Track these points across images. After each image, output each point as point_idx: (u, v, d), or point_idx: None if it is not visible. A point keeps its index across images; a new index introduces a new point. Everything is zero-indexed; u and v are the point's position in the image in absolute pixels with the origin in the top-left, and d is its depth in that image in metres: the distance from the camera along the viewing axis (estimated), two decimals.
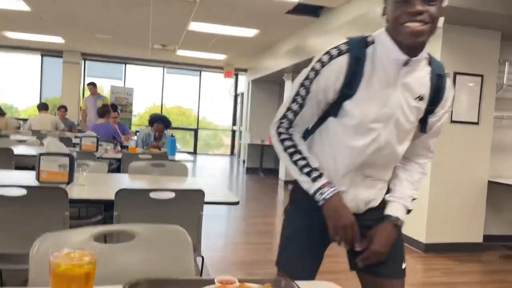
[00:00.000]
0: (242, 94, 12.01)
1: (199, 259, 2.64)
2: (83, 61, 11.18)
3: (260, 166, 9.62)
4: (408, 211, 1.34)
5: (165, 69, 12.26)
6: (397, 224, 1.31)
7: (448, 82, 1.29)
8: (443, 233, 4.15)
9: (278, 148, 1.32)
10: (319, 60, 1.23)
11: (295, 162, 1.29)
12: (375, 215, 1.35)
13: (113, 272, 1.14)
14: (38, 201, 1.90)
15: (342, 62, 1.21)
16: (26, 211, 1.89)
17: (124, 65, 11.74)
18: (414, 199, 1.35)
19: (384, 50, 1.21)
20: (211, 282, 0.94)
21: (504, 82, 4.31)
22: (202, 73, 12.66)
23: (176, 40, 8.28)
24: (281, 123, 1.31)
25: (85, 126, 7.80)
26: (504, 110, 4.50)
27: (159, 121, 4.92)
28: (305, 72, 1.27)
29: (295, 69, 7.58)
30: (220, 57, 9.88)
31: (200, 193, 2.04)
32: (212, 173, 9.45)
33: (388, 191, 1.40)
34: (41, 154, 2.21)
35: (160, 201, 1.99)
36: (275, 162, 9.69)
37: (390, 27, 1.19)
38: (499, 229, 4.58)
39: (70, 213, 1.93)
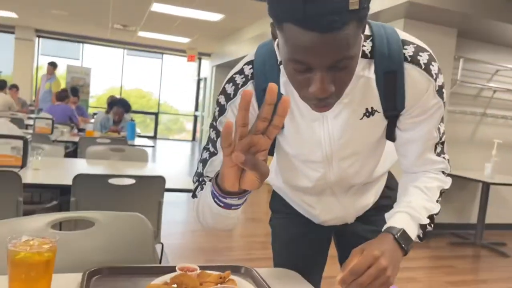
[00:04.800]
0: (205, 79, 11.88)
1: (158, 246, 2.62)
2: (37, 38, 10.63)
3: None
4: (423, 227, 0.89)
5: (125, 50, 11.89)
6: (397, 238, 0.84)
7: (415, 72, 0.85)
8: None
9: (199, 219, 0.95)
10: (224, 92, 0.93)
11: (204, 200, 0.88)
12: (376, 225, 1.05)
13: (72, 260, 1.11)
14: None
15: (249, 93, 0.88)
16: None
17: (81, 44, 11.28)
18: (432, 214, 0.92)
19: None
20: (172, 269, 0.94)
21: (458, 77, 4.52)
22: (164, 56, 12.39)
23: (138, 21, 8.03)
24: (195, 184, 0.98)
25: (37, 106, 7.50)
26: (458, 105, 4.73)
27: (118, 105, 4.79)
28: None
29: None
30: (183, 40, 9.69)
31: (160, 179, 2.01)
32: (172, 159, 9.34)
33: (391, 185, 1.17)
34: None
35: (119, 188, 1.95)
36: None
37: None
38: (449, 217, 4.84)
39: (23, 198, 1.86)
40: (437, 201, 0.95)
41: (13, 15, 8.68)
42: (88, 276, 0.91)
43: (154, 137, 12.92)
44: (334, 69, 0.71)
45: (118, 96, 8.23)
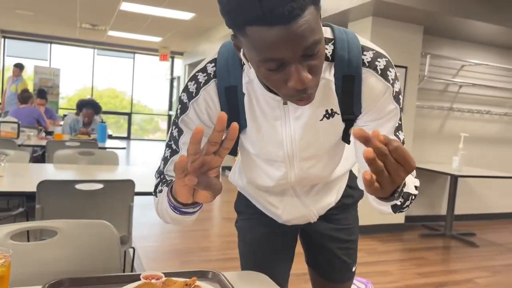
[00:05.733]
0: (179, 77, 11.76)
1: (131, 251, 2.58)
2: (2, 39, 10.27)
3: None
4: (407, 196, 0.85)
5: (95, 50, 11.63)
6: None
7: (372, 77, 0.87)
8: (368, 216, 4.41)
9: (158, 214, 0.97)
10: (186, 90, 0.93)
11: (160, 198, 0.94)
12: (339, 223, 1.22)
13: (35, 272, 1.09)
14: None
15: (211, 92, 0.91)
16: None
17: (49, 44, 10.96)
18: (416, 186, 0.91)
19: (258, 82, 0.89)
20: (137, 278, 0.93)
21: (426, 73, 4.63)
22: (136, 55, 12.19)
23: (107, 20, 7.87)
24: (157, 173, 1.00)
25: (3, 109, 7.25)
26: (425, 100, 4.84)
27: (88, 106, 4.68)
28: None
29: None
30: (155, 39, 9.56)
31: (130, 183, 1.98)
32: (146, 160, 9.21)
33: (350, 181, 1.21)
34: None
35: (87, 193, 1.91)
36: None
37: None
38: (420, 210, 4.96)
39: None
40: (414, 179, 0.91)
41: None
42: None
43: (127, 138, 12.71)
44: (306, 58, 0.71)
45: (88, 97, 8.05)
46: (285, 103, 0.89)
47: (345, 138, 0.98)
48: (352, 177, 1.24)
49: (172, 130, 0.97)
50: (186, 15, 6.92)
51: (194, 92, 0.91)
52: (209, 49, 8.17)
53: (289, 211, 1.15)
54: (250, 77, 0.90)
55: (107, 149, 3.98)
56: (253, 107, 0.92)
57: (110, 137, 5.40)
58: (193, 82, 0.92)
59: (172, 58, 12.19)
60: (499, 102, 5.36)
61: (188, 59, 10.31)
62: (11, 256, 0.78)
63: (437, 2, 3.88)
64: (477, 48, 5.11)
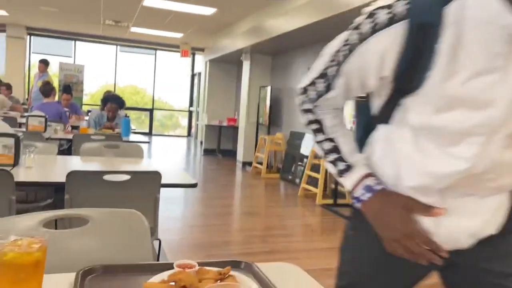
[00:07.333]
0: (199, 74, 11.82)
1: (156, 243, 2.59)
2: (28, 36, 10.51)
3: (218, 147, 9.58)
4: None
5: (118, 47, 11.79)
6: None
7: None
8: None
9: (301, 118, 0.96)
10: (357, 28, 0.78)
11: (319, 143, 0.93)
12: (496, 249, 0.84)
13: (66, 259, 1.08)
14: None
15: (394, 37, 0.73)
16: None
17: (74, 41, 11.16)
18: None
19: (481, 8, 0.69)
20: (170, 266, 0.92)
21: None
22: (158, 52, 12.30)
23: (130, 17, 7.95)
24: (304, 92, 0.93)
25: (30, 104, 7.41)
26: None
27: (112, 101, 4.74)
28: (341, 38, 0.83)
29: (253, 50, 7.53)
30: (177, 35, 9.62)
31: (156, 175, 1.98)
32: (168, 154, 9.30)
33: None
34: None
35: (114, 184, 1.92)
36: (233, 143, 9.68)
37: None
38: None
39: (16, 196, 1.82)
40: None
41: (3, 13, 8.57)
42: (82, 275, 0.88)
43: (149, 133, 12.86)
44: None
45: (112, 92, 8.17)
46: None
47: None
48: None
49: (328, 63, 0.85)
50: (208, 10, 6.92)
51: (367, 33, 0.77)
52: (230, 45, 8.16)
53: (458, 215, 0.81)
54: (459, 16, 0.70)
55: (132, 143, 4.01)
56: (459, 48, 0.70)
57: (133, 132, 5.46)
58: (369, 20, 0.76)
59: (193, 54, 12.24)
60: None
61: (209, 55, 10.33)
62: (47, 241, 0.78)
63: None
64: None
